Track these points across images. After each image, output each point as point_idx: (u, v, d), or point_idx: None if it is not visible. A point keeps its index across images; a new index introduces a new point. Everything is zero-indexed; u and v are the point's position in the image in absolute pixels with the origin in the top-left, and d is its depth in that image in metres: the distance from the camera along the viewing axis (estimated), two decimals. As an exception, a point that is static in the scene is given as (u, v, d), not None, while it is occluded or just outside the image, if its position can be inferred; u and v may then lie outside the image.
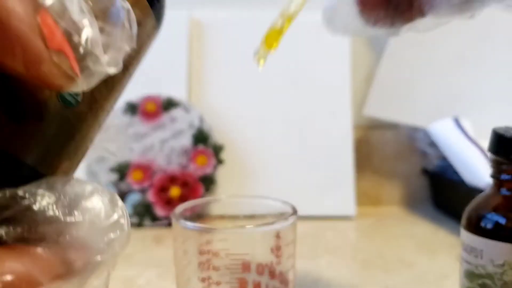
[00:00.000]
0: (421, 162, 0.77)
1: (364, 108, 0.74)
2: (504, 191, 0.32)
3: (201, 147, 0.67)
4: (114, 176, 0.66)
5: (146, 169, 0.66)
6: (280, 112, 0.71)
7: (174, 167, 0.67)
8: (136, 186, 0.66)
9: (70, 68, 0.14)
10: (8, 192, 0.15)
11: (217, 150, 0.68)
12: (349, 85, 0.72)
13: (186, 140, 0.68)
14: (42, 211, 0.15)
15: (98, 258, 0.15)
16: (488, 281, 0.31)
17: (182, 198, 0.65)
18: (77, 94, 0.17)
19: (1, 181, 0.15)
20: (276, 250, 0.33)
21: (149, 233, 0.62)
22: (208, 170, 0.67)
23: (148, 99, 0.69)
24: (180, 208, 0.36)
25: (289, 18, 0.29)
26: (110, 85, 0.19)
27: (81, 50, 0.14)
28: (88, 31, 0.14)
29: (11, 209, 0.14)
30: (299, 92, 0.72)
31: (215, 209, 0.39)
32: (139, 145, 0.67)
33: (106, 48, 0.15)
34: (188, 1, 0.75)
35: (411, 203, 0.77)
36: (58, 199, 0.15)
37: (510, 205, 0.32)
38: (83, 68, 0.14)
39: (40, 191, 0.15)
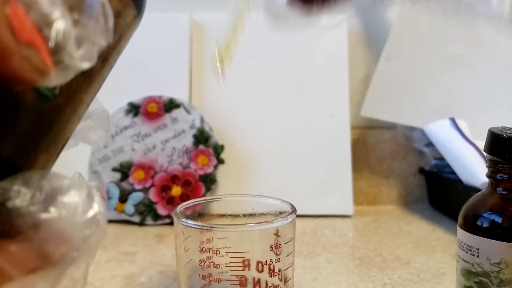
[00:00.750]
0: (418, 162, 0.77)
1: (361, 108, 0.75)
2: (500, 190, 0.32)
3: (202, 147, 0.68)
4: (116, 176, 0.67)
5: (148, 169, 0.67)
6: (279, 113, 0.71)
7: (175, 167, 0.67)
8: (138, 186, 0.66)
9: (42, 62, 0.13)
10: None
11: (217, 150, 0.68)
12: (346, 86, 0.72)
13: (187, 140, 0.68)
14: (17, 208, 0.14)
15: (74, 254, 0.15)
16: (484, 279, 0.31)
17: (183, 197, 0.65)
18: (53, 88, 0.16)
19: None
20: (276, 248, 0.33)
21: (151, 231, 0.62)
22: (208, 170, 0.67)
23: (150, 100, 0.69)
24: (181, 207, 0.36)
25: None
26: (89, 77, 0.19)
27: (53, 43, 0.13)
28: (60, 24, 0.13)
29: None
30: (298, 93, 0.72)
31: (216, 208, 0.40)
32: (141, 145, 0.68)
33: (80, 41, 0.14)
34: (188, 4, 0.75)
35: (408, 202, 0.77)
36: (33, 194, 0.15)
37: (506, 205, 0.32)
38: (56, 62, 0.14)
39: (16, 187, 0.14)
